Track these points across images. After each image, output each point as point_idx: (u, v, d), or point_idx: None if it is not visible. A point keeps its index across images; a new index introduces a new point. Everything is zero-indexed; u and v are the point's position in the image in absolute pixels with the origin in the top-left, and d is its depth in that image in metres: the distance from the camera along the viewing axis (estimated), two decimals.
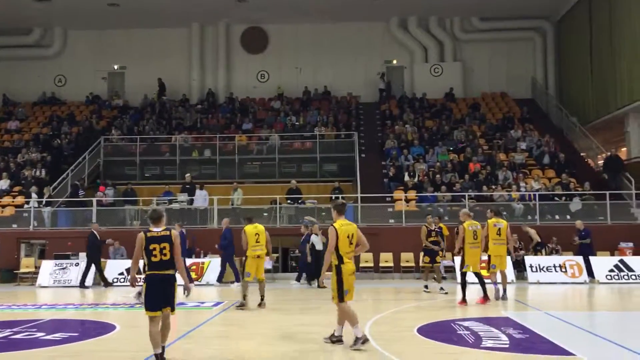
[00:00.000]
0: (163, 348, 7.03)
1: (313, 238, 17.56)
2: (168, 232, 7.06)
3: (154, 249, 6.91)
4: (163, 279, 6.97)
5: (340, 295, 7.84)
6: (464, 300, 12.34)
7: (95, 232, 18.17)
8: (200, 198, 21.01)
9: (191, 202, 21.12)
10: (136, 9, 27.58)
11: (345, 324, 8.07)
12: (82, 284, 17.62)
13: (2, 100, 30.38)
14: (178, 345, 8.21)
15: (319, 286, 16.72)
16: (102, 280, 17.96)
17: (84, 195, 21.77)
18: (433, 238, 15.10)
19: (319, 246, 17.39)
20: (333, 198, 21.11)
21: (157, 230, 7.04)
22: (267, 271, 18.84)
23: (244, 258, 12.52)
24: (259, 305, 12.25)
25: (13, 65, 30.80)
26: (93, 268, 17.97)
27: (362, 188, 21.49)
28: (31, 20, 29.16)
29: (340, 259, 7.85)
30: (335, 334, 8.14)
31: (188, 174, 22.60)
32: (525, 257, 18.05)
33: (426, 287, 15.06)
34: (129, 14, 28.14)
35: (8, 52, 30.72)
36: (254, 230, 12.35)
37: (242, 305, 12.14)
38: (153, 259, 6.92)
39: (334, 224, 7.91)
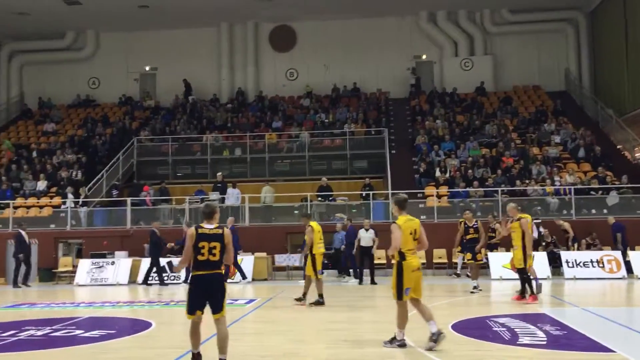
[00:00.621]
0: None
1: (361, 233, 17.44)
2: (220, 231, 6.49)
3: (203, 247, 6.37)
4: (210, 280, 6.43)
5: (400, 293, 7.45)
6: (534, 296, 11.89)
7: (156, 231, 18.38)
8: (233, 196, 21.21)
9: (223, 200, 21.30)
10: (166, 10, 27.94)
11: (418, 320, 7.71)
12: (145, 282, 17.91)
13: (38, 103, 31.10)
14: (212, 342, 8.28)
15: (372, 282, 16.92)
16: (159, 279, 18.10)
17: (117, 195, 22.17)
18: (472, 235, 14.35)
19: (365, 242, 17.27)
20: (364, 195, 21.07)
21: (209, 227, 6.49)
22: (298, 268, 19.08)
23: (309, 256, 12.24)
24: (297, 299, 12.23)
25: (48, 68, 31.57)
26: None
27: (392, 184, 21.37)
28: (64, 24, 29.78)
29: (401, 255, 7.49)
30: (433, 330, 7.46)
31: (219, 173, 22.82)
32: (562, 253, 17.72)
33: (475, 287, 13.98)
34: (159, 16, 28.51)
35: (43, 56, 31.51)
36: (318, 227, 12.39)
37: (319, 303, 12.08)
38: (199, 257, 6.38)
39: (397, 221, 7.55)
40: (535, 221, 13.38)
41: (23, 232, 18.75)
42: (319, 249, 12.24)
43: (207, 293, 6.42)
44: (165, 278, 18.23)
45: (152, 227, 18.62)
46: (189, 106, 29.15)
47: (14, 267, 18.69)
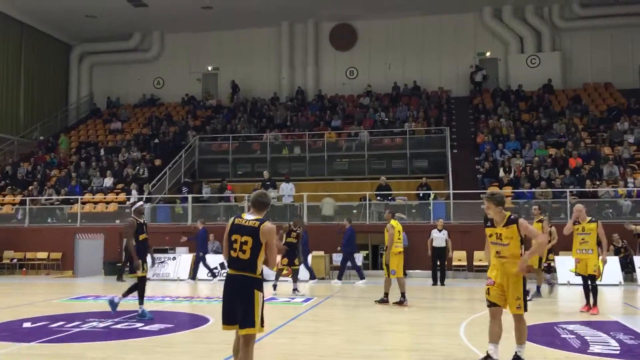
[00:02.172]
0: None
1: (434, 233, 17.03)
2: (257, 224, 5.28)
3: (235, 240, 5.29)
4: (235, 282, 5.28)
5: (526, 303, 6.54)
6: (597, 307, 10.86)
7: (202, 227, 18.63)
8: (287, 190, 21.27)
9: (279, 198, 21.39)
10: (228, 10, 28.33)
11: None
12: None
13: (106, 102, 32.21)
14: (269, 340, 8.23)
15: (441, 283, 16.52)
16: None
17: (187, 192, 22.65)
18: None
19: (438, 242, 16.80)
20: (421, 195, 20.63)
21: (248, 217, 5.40)
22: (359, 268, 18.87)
23: (386, 255, 12.14)
24: (401, 303, 11.91)
25: (116, 69, 32.68)
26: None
27: (454, 184, 20.85)
28: (131, 26, 30.69)
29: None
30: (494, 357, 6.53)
31: (266, 171, 22.88)
32: (635, 258, 16.78)
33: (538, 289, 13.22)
34: (222, 16, 28.94)
35: (111, 57, 32.63)
36: (398, 227, 12.21)
37: (383, 302, 12.04)
38: (232, 252, 5.29)
39: (521, 219, 6.54)
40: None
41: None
42: (396, 247, 12.07)
43: (233, 298, 5.29)
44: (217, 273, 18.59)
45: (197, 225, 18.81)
46: (249, 105, 29.46)
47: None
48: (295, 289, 14.29)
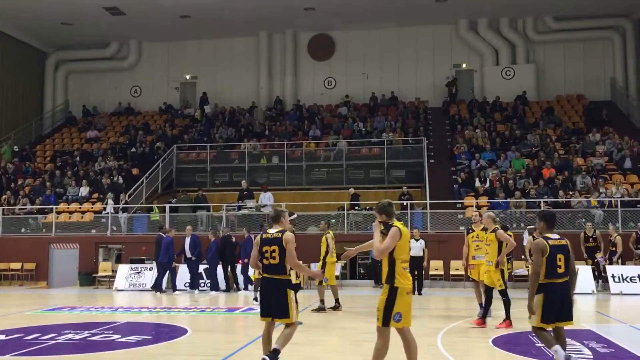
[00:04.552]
0: (275, 350, 6.63)
1: (411, 243, 17.07)
2: (280, 235, 6.71)
3: (266, 251, 6.71)
4: (272, 283, 6.69)
5: (386, 317, 6.34)
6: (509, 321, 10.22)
7: (169, 237, 18.34)
8: (266, 200, 21.32)
9: (257, 208, 21.40)
10: (207, 20, 28.28)
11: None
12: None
13: (82, 110, 31.86)
14: (248, 351, 8.24)
15: (418, 293, 16.64)
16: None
17: (176, 202, 22.47)
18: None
19: (414, 252, 16.52)
20: (405, 204, 20.76)
21: (272, 231, 6.79)
22: (335, 277, 18.92)
23: (323, 263, 13.28)
24: (336, 308, 12.94)
25: (92, 77, 32.36)
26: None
27: (431, 194, 21.07)
28: (108, 34, 30.44)
29: (395, 270, 6.44)
30: None
31: (244, 181, 22.85)
32: (608, 267, 17.10)
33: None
34: (200, 25, 28.88)
35: (87, 65, 32.31)
36: (333, 238, 13.48)
37: (320, 309, 12.84)
38: (264, 261, 6.74)
39: (396, 223, 6.24)
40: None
41: (164, 236, 18.18)
42: (332, 257, 13.27)
43: (269, 296, 6.70)
44: (202, 285, 18.45)
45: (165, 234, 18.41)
46: (227, 114, 29.42)
47: (160, 273, 18.04)
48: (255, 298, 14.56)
